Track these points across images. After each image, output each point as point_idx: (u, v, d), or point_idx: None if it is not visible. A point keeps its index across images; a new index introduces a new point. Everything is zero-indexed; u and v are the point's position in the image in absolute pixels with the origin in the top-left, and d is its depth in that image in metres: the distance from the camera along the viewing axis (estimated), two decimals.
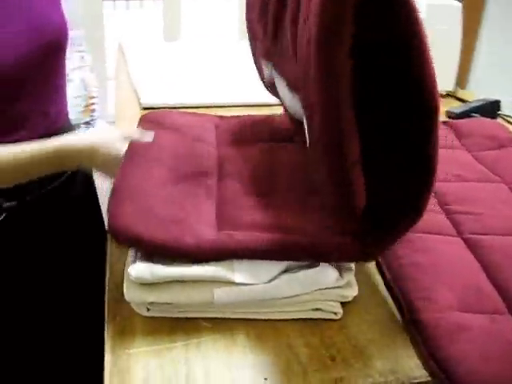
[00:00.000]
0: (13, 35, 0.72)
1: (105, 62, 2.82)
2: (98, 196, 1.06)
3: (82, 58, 2.51)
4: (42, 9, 0.78)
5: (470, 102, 1.30)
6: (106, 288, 0.67)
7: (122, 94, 1.31)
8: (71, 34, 2.41)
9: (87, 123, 2.57)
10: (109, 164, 0.76)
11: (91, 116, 2.57)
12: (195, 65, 1.57)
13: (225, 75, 1.41)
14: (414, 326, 0.61)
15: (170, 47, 2.04)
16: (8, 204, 0.82)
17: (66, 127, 0.91)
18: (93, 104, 2.56)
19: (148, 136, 0.81)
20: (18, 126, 0.79)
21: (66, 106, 0.92)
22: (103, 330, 0.61)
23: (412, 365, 0.58)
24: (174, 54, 1.80)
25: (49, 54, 0.79)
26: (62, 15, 0.83)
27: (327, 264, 0.62)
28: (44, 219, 0.89)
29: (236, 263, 0.61)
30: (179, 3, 2.72)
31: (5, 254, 0.84)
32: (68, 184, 0.92)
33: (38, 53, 0.76)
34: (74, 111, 2.46)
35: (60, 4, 0.83)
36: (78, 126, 2.53)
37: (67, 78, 2.37)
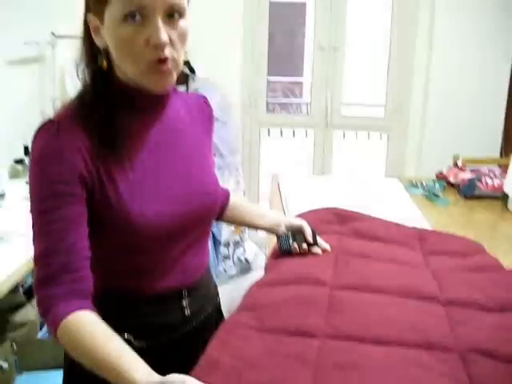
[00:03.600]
0: (178, 196, 0.84)
1: (258, 185, 3.01)
2: None
3: (238, 182, 2.67)
4: (198, 177, 0.89)
5: None
6: None
7: None
8: (230, 159, 2.71)
9: (236, 243, 2.74)
10: None
11: (241, 236, 2.74)
12: (343, 199, 1.66)
13: (370, 210, 1.46)
14: None
15: (319, 180, 2.19)
16: (138, 343, 0.83)
17: (206, 276, 0.95)
18: None
19: None
20: (173, 272, 0.86)
21: (208, 258, 0.97)
22: None
23: None
24: (322, 187, 1.93)
25: (203, 215, 0.88)
26: (215, 183, 0.92)
27: None
28: (173, 363, 0.79)
29: None
30: (331, 141, 2.88)
31: None
32: (199, 329, 0.92)
33: (195, 213, 0.86)
34: (226, 230, 2.66)
35: (214, 173, 0.93)
36: (227, 244, 2.71)
37: None
